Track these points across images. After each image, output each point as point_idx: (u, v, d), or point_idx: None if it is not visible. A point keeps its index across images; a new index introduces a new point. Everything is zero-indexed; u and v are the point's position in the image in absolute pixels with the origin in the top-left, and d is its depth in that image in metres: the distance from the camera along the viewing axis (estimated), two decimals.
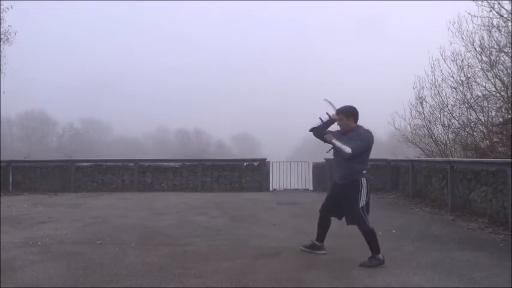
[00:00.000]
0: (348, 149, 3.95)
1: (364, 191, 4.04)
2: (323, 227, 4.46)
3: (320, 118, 4.43)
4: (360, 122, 4.22)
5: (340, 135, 4.21)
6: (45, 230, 5.77)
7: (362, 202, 4.04)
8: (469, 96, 10.65)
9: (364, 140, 4.06)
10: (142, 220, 6.61)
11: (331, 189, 4.49)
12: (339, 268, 3.92)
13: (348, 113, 4.15)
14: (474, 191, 7.00)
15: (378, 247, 4.02)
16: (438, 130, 11.82)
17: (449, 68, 11.10)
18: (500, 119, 9.75)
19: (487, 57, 9.97)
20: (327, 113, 4.40)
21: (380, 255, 4.00)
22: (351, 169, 4.08)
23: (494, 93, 9.97)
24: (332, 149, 4.22)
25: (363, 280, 3.57)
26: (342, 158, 4.11)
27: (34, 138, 61.63)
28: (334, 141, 4.10)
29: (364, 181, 4.05)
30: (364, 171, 4.09)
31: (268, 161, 12.08)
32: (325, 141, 4.29)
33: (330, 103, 4.37)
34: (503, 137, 9.39)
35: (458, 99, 10.99)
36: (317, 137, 4.43)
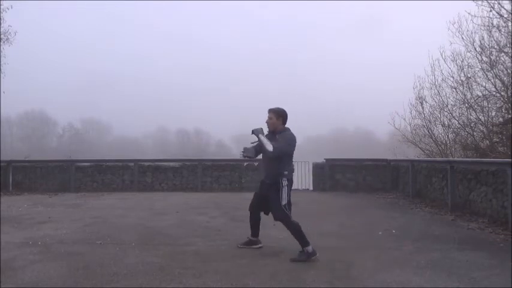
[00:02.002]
0: (270, 148, 4.19)
1: (284, 189, 4.29)
2: (254, 223, 4.72)
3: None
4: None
5: (270, 135, 4.44)
6: (45, 230, 5.77)
7: (283, 200, 4.28)
8: (469, 96, 10.66)
9: (287, 143, 4.31)
10: (142, 220, 6.61)
11: (259, 187, 4.67)
12: (339, 268, 3.92)
13: (278, 114, 4.43)
14: (474, 191, 7.00)
15: (305, 240, 4.22)
16: (438, 130, 11.84)
17: (449, 68, 11.13)
18: (500, 119, 9.75)
19: (487, 57, 9.98)
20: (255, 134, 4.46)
21: (309, 248, 4.18)
22: (273, 170, 4.34)
23: (494, 93, 9.97)
24: (256, 142, 4.39)
25: (363, 280, 3.57)
26: (267, 159, 4.37)
27: (34, 138, 61.67)
28: (260, 135, 4.30)
29: (284, 181, 4.28)
30: (286, 172, 4.32)
31: None
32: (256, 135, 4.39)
33: (257, 136, 4.41)
34: (503, 137, 9.40)
35: (458, 99, 11.01)
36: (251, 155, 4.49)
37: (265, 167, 4.52)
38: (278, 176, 4.31)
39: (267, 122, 4.47)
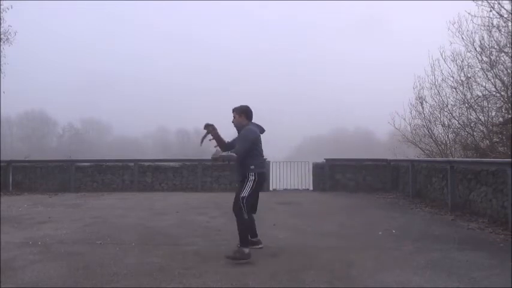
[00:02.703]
0: (233, 156, 4.19)
1: (249, 183, 4.28)
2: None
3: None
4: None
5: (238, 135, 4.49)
6: (45, 230, 5.78)
7: (245, 192, 4.26)
8: (469, 96, 10.65)
9: (244, 139, 4.33)
10: (142, 220, 6.61)
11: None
12: (339, 268, 3.92)
13: (240, 111, 4.49)
14: (474, 191, 7.00)
15: (247, 241, 4.21)
16: (438, 130, 11.83)
17: (449, 68, 11.12)
18: (500, 119, 9.75)
19: (487, 57, 9.98)
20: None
21: (247, 249, 4.14)
22: (241, 166, 4.37)
23: (494, 93, 9.97)
24: (206, 138, 4.45)
25: (363, 280, 3.57)
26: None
27: (34, 138, 61.66)
28: (222, 155, 4.28)
29: (251, 176, 4.30)
30: (252, 167, 4.32)
31: (268, 161, 12.07)
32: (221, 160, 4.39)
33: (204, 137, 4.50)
34: (503, 137, 9.39)
35: (458, 99, 11.01)
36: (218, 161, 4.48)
37: (236, 168, 4.53)
38: (245, 171, 4.32)
39: (232, 122, 4.52)
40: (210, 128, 4.44)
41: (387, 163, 11.36)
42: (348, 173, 11.51)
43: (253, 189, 4.29)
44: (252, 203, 4.33)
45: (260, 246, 4.65)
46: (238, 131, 4.49)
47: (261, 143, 4.48)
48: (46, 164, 12.45)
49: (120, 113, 70.65)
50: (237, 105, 4.57)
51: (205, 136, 4.46)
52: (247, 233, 4.26)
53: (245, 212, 4.24)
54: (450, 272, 3.76)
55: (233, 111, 4.53)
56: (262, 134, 4.57)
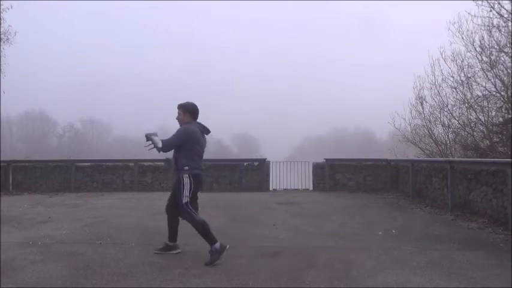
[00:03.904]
0: (159, 144, 4.14)
1: (186, 187, 4.17)
2: (171, 226, 4.55)
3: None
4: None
5: None
6: (45, 230, 5.77)
7: (186, 198, 4.18)
8: (469, 96, 10.67)
9: (177, 135, 4.24)
10: (142, 220, 6.61)
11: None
12: (339, 268, 3.92)
13: (185, 109, 4.36)
14: (474, 191, 7.00)
15: (212, 238, 4.11)
16: (438, 130, 11.85)
17: (450, 68, 11.14)
18: (500, 119, 9.76)
19: (487, 57, 9.98)
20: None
21: (217, 244, 4.06)
22: (176, 165, 4.27)
23: (494, 93, 9.98)
24: (150, 146, 4.28)
25: (363, 280, 3.57)
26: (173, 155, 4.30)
27: (34, 138, 61.60)
28: (153, 137, 4.22)
29: (186, 179, 4.18)
30: (186, 168, 4.20)
31: (268, 161, 12.08)
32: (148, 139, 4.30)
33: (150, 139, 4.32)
34: (503, 137, 9.40)
35: (458, 99, 11.02)
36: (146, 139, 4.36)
37: (173, 163, 4.38)
38: (180, 172, 4.22)
39: (176, 119, 4.40)
40: (152, 135, 4.30)
41: (387, 163, 11.37)
42: (348, 173, 11.51)
43: (191, 191, 4.19)
44: (195, 204, 4.28)
45: (177, 251, 4.51)
46: (180, 126, 4.36)
47: (201, 144, 4.34)
48: (46, 164, 12.44)
49: (120, 113, 70.62)
50: (190, 102, 4.41)
51: (150, 145, 4.29)
52: (208, 231, 4.13)
53: (195, 214, 4.19)
54: (450, 272, 3.77)
55: (178, 108, 4.39)
56: (206, 135, 4.46)
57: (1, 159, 12.27)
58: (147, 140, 4.26)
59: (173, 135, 4.28)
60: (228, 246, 4.11)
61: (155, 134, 4.28)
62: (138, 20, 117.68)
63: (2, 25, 13.16)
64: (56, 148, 56.29)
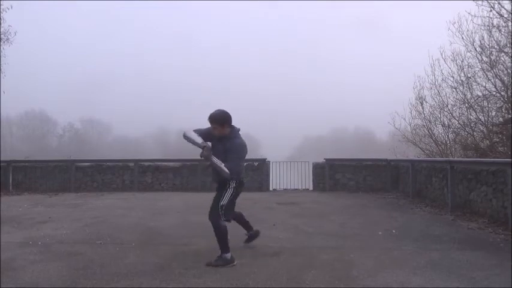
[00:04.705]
0: (226, 172, 3.98)
1: (230, 191, 4.17)
2: (238, 221, 4.72)
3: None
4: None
5: (216, 141, 4.18)
6: (45, 230, 5.77)
7: (224, 200, 4.16)
8: (469, 96, 10.67)
9: (240, 157, 4.15)
10: (143, 220, 6.61)
11: None
12: (339, 268, 3.92)
13: (220, 121, 4.09)
14: (474, 191, 7.00)
15: (226, 246, 4.09)
16: (438, 130, 11.85)
17: (450, 68, 11.14)
18: (500, 119, 9.76)
19: (487, 57, 9.99)
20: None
21: (228, 255, 4.06)
22: (219, 174, 4.14)
23: (494, 93, 9.98)
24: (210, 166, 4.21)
25: (363, 280, 3.57)
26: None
27: (34, 138, 61.63)
28: (212, 159, 4.04)
29: (232, 183, 4.16)
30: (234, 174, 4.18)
31: (268, 161, 12.07)
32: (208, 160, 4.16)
33: (190, 140, 4.26)
34: (503, 137, 9.40)
35: (458, 99, 11.03)
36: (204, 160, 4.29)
37: (213, 170, 4.24)
38: (226, 179, 4.14)
39: (213, 133, 4.15)
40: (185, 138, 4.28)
41: (387, 163, 11.36)
42: (348, 173, 11.50)
43: (232, 197, 4.21)
44: (231, 209, 4.30)
45: (258, 235, 4.75)
46: (219, 139, 4.16)
47: None
48: (46, 164, 12.44)
49: (120, 113, 70.73)
50: (212, 112, 4.17)
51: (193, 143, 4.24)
52: (226, 239, 4.13)
53: (222, 219, 4.17)
54: (450, 272, 3.77)
55: (212, 122, 4.10)
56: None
57: (1, 159, 12.28)
58: (206, 160, 4.15)
59: (236, 156, 4.09)
60: (236, 263, 4.04)
61: (210, 151, 4.04)
62: (138, 20, 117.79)
63: (2, 25, 13.17)
64: (56, 148, 56.30)
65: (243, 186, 4.39)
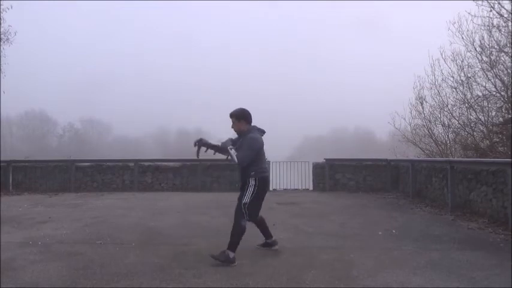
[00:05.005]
0: (235, 159, 4.19)
1: (250, 189, 4.23)
2: (258, 225, 4.62)
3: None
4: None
5: (237, 138, 4.43)
6: (45, 230, 5.77)
7: (246, 198, 4.23)
8: (469, 96, 10.67)
9: (250, 148, 4.24)
10: (143, 220, 6.61)
11: None
12: (339, 268, 3.92)
13: (238, 116, 4.36)
14: (474, 191, 7.00)
15: (235, 246, 4.13)
16: (438, 130, 11.85)
17: (450, 68, 11.14)
18: (500, 119, 9.76)
19: (487, 57, 9.99)
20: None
21: (232, 254, 4.08)
22: (243, 170, 4.35)
23: (494, 93, 9.98)
24: (229, 156, 4.34)
25: (363, 280, 3.57)
26: None
27: (34, 138, 61.63)
28: (229, 148, 4.26)
29: (252, 180, 4.25)
30: (253, 173, 4.26)
31: (268, 161, 12.05)
32: (225, 151, 4.36)
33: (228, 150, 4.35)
34: (503, 137, 9.40)
35: (458, 99, 11.02)
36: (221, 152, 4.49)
37: (240, 169, 4.48)
38: (246, 177, 4.29)
39: (232, 128, 4.42)
40: (199, 143, 4.39)
41: (387, 163, 11.36)
42: (348, 173, 11.50)
43: (255, 195, 4.22)
44: (256, 208, 4.29)
45: (275, 247, 4.61)
46: (239, 134, 4.42)
47: (263, 147, 4.40)
48: (46, 164, 12.43)
49: (120, 113, 70.76)
50: (240, 106, 4.44)
51: (198, 151, 4.40)
52: (238, 238, 4.16)
53: (245, 218, 4.21)
54: (450, 272, 3.77)
55: (231, 117, 4.39)
56: (263, 135, 4.50)
57: (1, 159, 12.28)
58: (223, 151, 4.34)
59: (246, 147, 4.23)
60: (236, 264, 4.06)
61: (229, 144, 4.32)
62: (138, 20, 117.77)
63: (2, 25, 13.17)
64: (56, 148, 56.30)
65: (267, 186, 4.41)
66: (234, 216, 4.28)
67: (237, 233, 4.16)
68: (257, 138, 4.32)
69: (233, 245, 4.12)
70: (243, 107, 4.43)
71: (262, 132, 4.49)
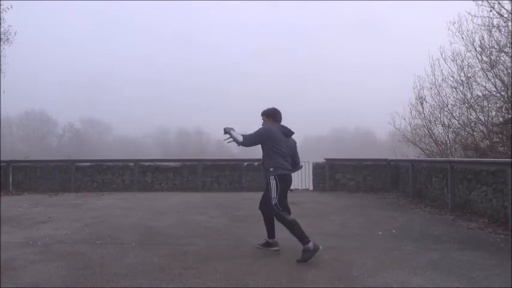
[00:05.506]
0: (239, 139, 4.37)
1: (273, 188, 4.29)
2: (266, 223, 4.66)
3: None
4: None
5: None
6: (45, 230, 5.77)
7: (274, 200, 4.28)
8: (469, 96, 10.67)
9: (257, 132, 4.44)
10: (143, 220, 6.61)
11: None
12: (339, 268, 3.92)
13: (267, 115, 4.62)
14: (474, 191, 7.00)
15: (304, 237, 4.18)
16: (438, 130, 11.85)
17: (450, 68, 11.14)
18: (500, 119, 9.76)
19: (487, 57, 9.98)
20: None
21: (310, 244, 4.12)
22: (264, 167, 4.49)
23: (494, 93, 9.98)
24: (229, 139, 4.48)
25: (363, 280, 3.57)
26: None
27: (34, 138, 61.63)
28: (231, 132, 4.44)
29: (272, 180, 4.30)
30: (271, 169, 4.32)
31: None
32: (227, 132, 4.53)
33: (229, 134, 4.52)
34: (503, 137, 9.40)
35: (458, 99, 11.02)
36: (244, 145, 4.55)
37: (263, 169, 4.62)
38: (267, 173, 4.37)
39: (262, 125, 4.60)
40: (226, 130, 4.51)
41: (387, 163, 11.36)
42: (348, 173, 11.51)
43: (279, 193, 4.28)
44: (284, 203, 4.38)
45: (276, 248, 4.60)
46: None
47: (281, 144, 4.41)
48: (46, 164, 12.44)
49: (120, 113, 70.76)
50: (265, 106, 4.64)
51: (229, 139, 4.50)
52: (300, 230, 4.22)
53: (285, 214, 4.27)
54: (450, 272, 3.77)
55: (262, 115, 4.63)
56: (288, 136, 4.57)
57: (1, 159, 12.28)
58: (224, 133, 4.49)
59: (253, 132, 4.45)
60: (321, 247, 4.15)
61: (233, 129, 4.49)
62: (138, 20, 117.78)
63: (2, 25, 13.17)
64: (56, 148, 56.26)
65: (288, 182, 4.44)
66: (277, 220, 4.38)
67: (295, 229, 4.24)
68: (267, 128, 4.49)
69: (303, 238, 4.17)
70: (275, 107, 4.66)
71: (288, 131, 4.57)
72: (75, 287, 3.45)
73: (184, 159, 12.90)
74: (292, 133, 4.62)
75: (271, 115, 4.60)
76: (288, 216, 4.28)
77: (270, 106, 4.67)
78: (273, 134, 4.42)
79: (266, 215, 4.62)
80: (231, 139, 4.43)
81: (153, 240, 5.21)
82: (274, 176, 4.29)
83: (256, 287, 3.43)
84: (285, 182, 4.37)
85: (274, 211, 4.31)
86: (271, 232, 4.66)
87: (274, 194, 4.28)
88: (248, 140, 4.40)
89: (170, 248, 4.75)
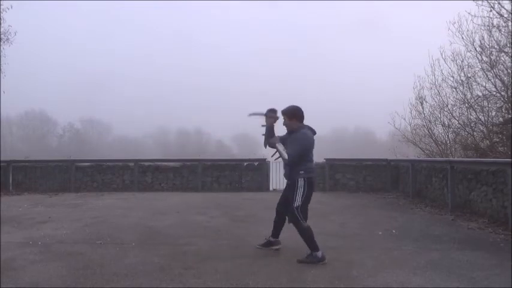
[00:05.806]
0: (285, 156, 4.18)
1: (300, 191, 4.18)
2: (276, 223, 4.60)
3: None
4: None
5: (287, 135, 4.43)
6: (45, 230, 5.77)
7: (297, 202, 4.17)
8: (469, 96, 10.66)
9: (299, 144, 4.22)
10: (143, 220, 6.61)
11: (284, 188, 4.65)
12: (339, 268, 3.92)
13: (290, 114, 4.36)
14: (474, 191, 7.00)
15: (315, 245, 4.12)
16: (438, 130, 11.84)
17: (450, 68, 11.13)
18: (501, 119, 9.75)
19: (487, 57, 9.98)
20: (262, 125, 4.51)
21: (319, 253, 4.08)
22: (290, 169, 4.29)
23: (494, 93, 9.98)
24: (276, 154, 4.37)
25: (363, 280, 3.57)
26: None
27: (34, 138, 61.63)
28: (277, 145, 4.28)
29: (301, 181, 4.19)
30: (301, 172, 4.20)
31: (268, 161, 12.06)
32: (272, 147, 4.41)
33: (256, 114, 4.47)
34: (503, 137, 9.40)
35: (458, 99, 11.01)
36: (269, 147, 4.50)
37: (284, 167, 4.42)
38: (295, 175, 4.22)
39: (284, 125, 4.40)
40: (270, 114, 4.36)
41: (387, 163, 11.36)
42: (348, 173, 11.50)
43: (305, 197, 4.18)
44: (306, 209, 4.25)
45: (277, 247, 4.57)
46: (289, 131, 4.39)
47: (313, 148, 4.34)
48: (46, 164, 12.44)
49: (120, 113, 70.75)
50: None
51: (261, 115, 4.40)
52: (312, 238, 4.12)
53: (302, 220, 4.15)
54: (450, 272, 3.77)
55: (283, 114, 4.37)
56: (314, 135, 4.46)
57: (1, 159, 12.28)
58: (271, 147, 4.37)
59: (295, 144, 4.22)
60: (326, 261, 4.06)
61: (278, 140, 4.33)
62: (138, 20, 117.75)
63: (2, 25, 13.15)
64: (56, 148, 56.27)
65: (314, 187, 4.35)
66: (291, 222, 4.24)
67: (307, 236, 4.13)
68: (307, 134, 4.29)
69: (313, 246, 4.10)
70: (296, 105, 4.41)
71: (313, 131, 4.42)
72: (75, 287, 3.45)
73: (184, 159, 12.89)
74: (315, 133, 4.44)
75: (295, 115, 4.34)
76: (303, 222, 4.17)
77: (291, 104, 4.40)
78: (312, 140, 4.29)
79: (280, 216, 4.53)
80: (278, 155, 4.27)
81: (153, 240, 5.21)
82: (304, 179, 4.18)
83: (256, 287, 3.43)
84: (312, 186, 4.28)
85: (293, 213, 4.17)
86: (276, 233, 4.62)
87: (299, 196, 4.16)
88: (296, 158, 4.17)
89: (170, 248, 4.76)
